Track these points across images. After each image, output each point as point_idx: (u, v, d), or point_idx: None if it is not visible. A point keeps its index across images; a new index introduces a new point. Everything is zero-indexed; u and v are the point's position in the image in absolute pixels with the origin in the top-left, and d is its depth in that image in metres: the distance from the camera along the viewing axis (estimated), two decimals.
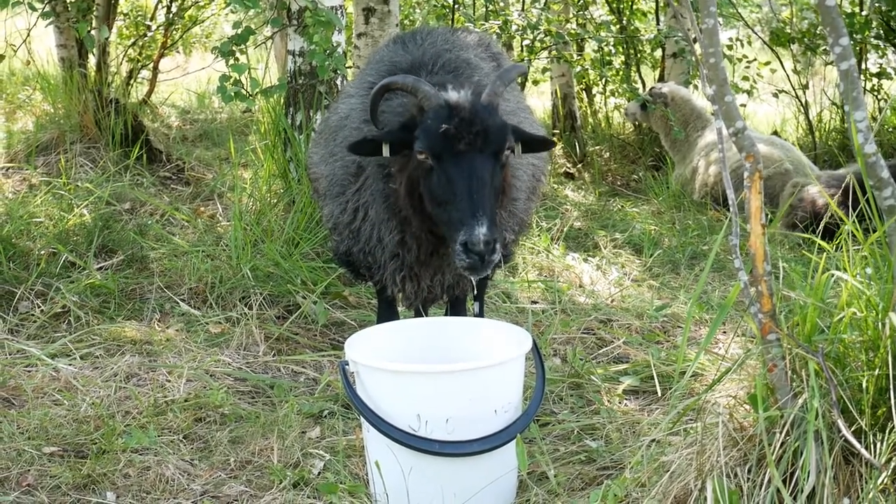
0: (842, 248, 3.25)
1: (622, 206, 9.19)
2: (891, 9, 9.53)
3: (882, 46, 10.76)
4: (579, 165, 10.98)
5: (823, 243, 3.42)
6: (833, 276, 3.18)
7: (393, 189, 4.09)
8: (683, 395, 4.35)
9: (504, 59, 5.16)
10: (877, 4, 9.70)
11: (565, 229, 7.74)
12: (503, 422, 3.60)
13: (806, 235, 3.98)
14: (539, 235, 7.44)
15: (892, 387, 2.87)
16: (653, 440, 3.70)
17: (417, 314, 4.92)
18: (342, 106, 4.70)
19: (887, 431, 2.89)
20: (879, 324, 2.99)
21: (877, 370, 2.96)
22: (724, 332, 5.60)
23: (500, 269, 6.09)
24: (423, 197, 3.89)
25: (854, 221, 3.23)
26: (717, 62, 3.01)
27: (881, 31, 10.22)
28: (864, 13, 10.29)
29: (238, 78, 6.28)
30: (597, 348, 5.39)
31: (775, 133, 11.25)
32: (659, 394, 4.58)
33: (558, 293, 6.22)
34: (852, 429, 2.90)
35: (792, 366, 3.08)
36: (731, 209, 3.03)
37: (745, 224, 3.06)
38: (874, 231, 3.09)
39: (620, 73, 11.56)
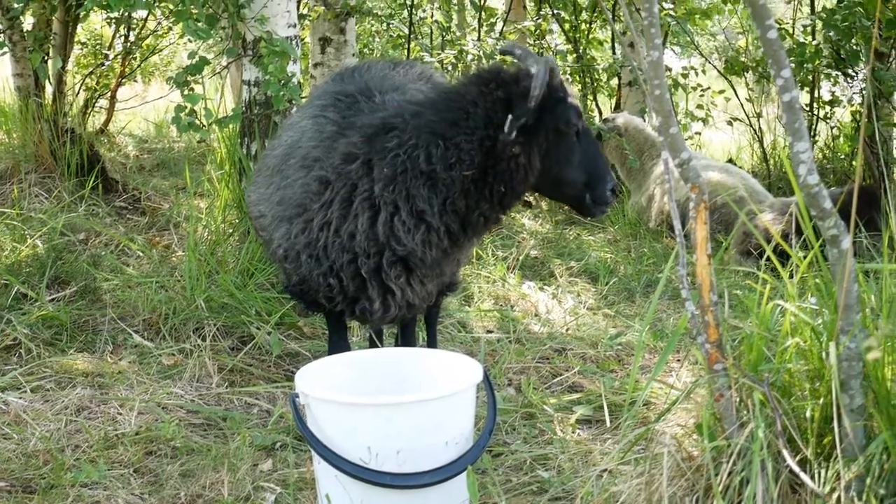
0: (791, 276, 3.28)
1: (578, 235, 9.24)
2: (840, 38, 9.69)
3: (834, 75, 10.93)
4: (536, 194, 11.02)
5: (765, 275, 3.44)
6: (778, 306, 3.21)
7: (503, 169, 4.09)
8: (635, 424, 4.37)
9: None
10: (828, 34, 9.86)
11: (521, 258, 7.76)
12: (454, 453, 3.59)
13: (747, 269, 4.00)
14: (495, 264, 7.46)
15: (836, 415, 2.90)
16: (604, 470, 3.71)
17: (372, 344, 4.90)
18: (286, 136, 4.63)
19: (832, 460, 2.91)
20: (823, 353, 3.02)
21: (821, 399, 2.99)
22: (678, 361, 5.62)
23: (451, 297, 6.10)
24: (562, 166, 4.22)
25: (797, 251, 3.25)
26: (662, 94, 3.04)
27: (832, 60, 10.38)
28: (815, 42, 10.44)
29: (193, 108, 6.27)
30: (551, 377, 5.39)
31: (730, 161, 11.37)
32: (608, 423, 4.59)
33: (513, 322, 6.24)
34: (798, 458, 2.92)
35: (739, 395, 3.10)
36: (678, 240, 3.05)
37: (692, 255, 3.08)
38: (824, 259, 3.10)
39: None
